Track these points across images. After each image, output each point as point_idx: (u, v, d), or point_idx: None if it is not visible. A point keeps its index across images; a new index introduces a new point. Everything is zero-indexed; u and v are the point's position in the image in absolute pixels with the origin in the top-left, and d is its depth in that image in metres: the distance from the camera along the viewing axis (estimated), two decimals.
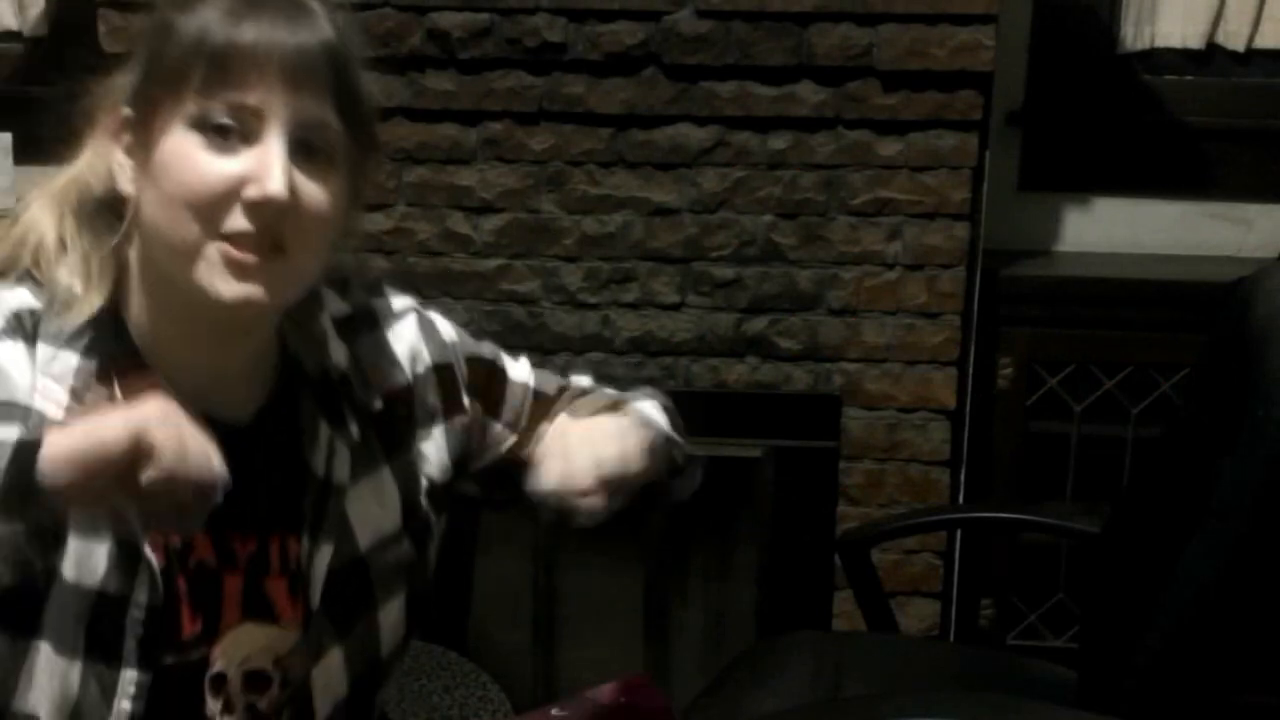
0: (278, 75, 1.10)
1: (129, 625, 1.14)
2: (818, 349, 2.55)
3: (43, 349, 1.13)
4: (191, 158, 1.10)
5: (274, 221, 1.10)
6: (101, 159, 1.18)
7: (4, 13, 2.86)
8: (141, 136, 1.13)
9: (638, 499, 1.25)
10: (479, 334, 1.43)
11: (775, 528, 2.61)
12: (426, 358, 1.33)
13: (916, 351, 2.54)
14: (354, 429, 1.25)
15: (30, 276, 1.17)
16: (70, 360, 1.13)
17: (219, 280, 1.10)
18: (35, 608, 1.12)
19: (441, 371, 1.34)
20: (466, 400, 1.35)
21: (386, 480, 1.29)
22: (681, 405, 2.58)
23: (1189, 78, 2.82)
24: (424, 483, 1.32)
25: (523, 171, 2.51)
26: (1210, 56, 2.80)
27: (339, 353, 1.26)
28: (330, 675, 1.24)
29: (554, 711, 1.44)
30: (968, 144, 2.47)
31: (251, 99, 1.10)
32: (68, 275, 1.16)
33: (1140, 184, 2.83)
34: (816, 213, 2.51)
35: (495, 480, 1.38)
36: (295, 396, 1.24)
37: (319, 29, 1.13)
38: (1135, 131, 2.82)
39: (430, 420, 1.33)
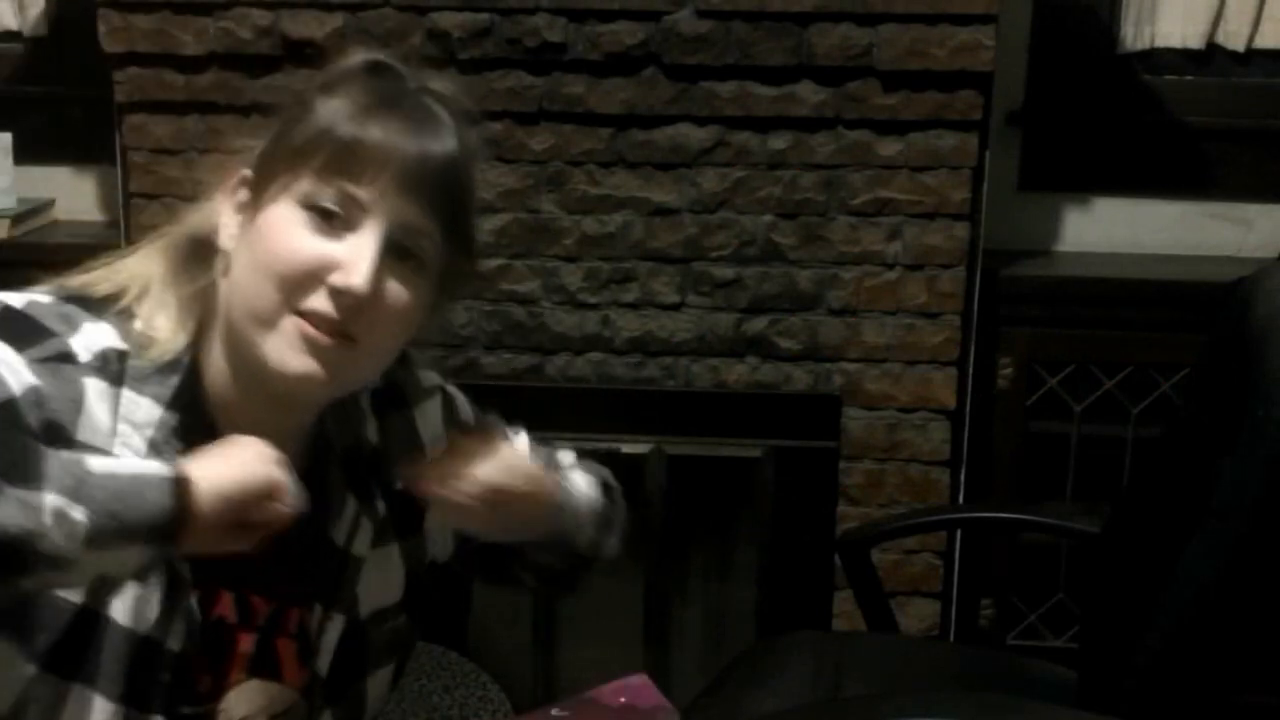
0: (392, 177, 1.13)
1: (160, 672, 1.15)
2: (818, 349, 2.55)
3: (126, 394, 1.14)
4: (291, 231, 1.13)
5: (351, 312, 1.12)
6: (213, 214, 1.20)
7: (4, 13, 2.86)
8: (253, 198, 1.16)
9: (550, 548, 1.32)
10: (483, 406, 1.44)
11: (775, 528, 2.61)
12: (446, 440, 1.35)
13: (916, 351, 2.54)
14: (381, 505, 1.28)
15: (121, 313, 1.17)
16: (153, 411, 1.14)
17: (287, 352, 1.12)
18: (83, 653, 1.12)
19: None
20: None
21: (395, 557, 1.31)
22: (682, 405, 2.59)
23: (1189, 78, 2.82)
24: (428, 558, 1.35)
25: (523, 171, 2.51)
26: (1210, 56, 2.80)
27: (372, 429, 1.29)
28: None
29: (554, 711, 1.45)
30: (968, 144, 2.47)
31: (362, 193, 1.13)
32: (160, 316, 1.17)
33: (1140, 184, 2.83)
34: (816, 213, 2.51)
35: (480, 558, 1.40)
36: (324, 467, 1.25)
37: (444, 141, 1.16)
38: (1135, 131, 2.82)
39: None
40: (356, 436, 1.28)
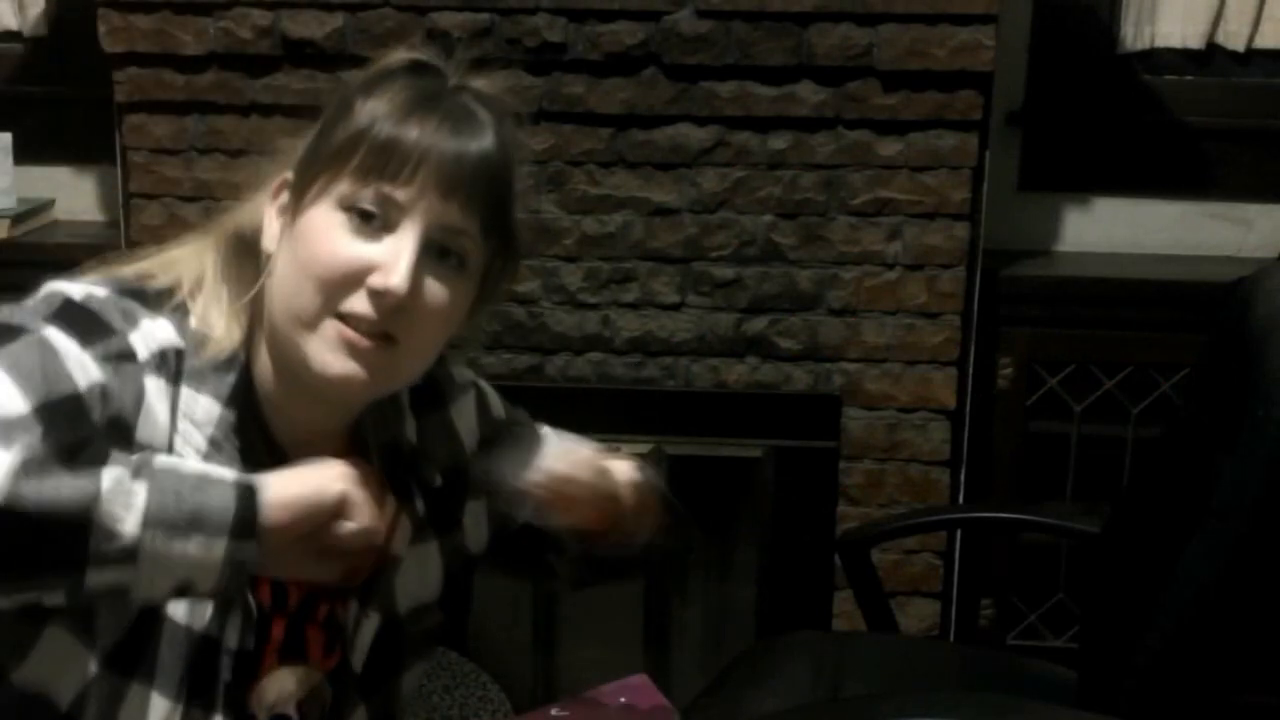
0: (430, 177, 1.13)
1: (221, 669, 1.16)
2: (818, 349, 2.55)
3: (185, 391, 1.15)
4: (330, 234, 1.14)
5: (391, 313, 1.13)
6: (259, 211, 1.21)
7: (4, 13, 2.86)
8: (295, 201, 1.17)
9: (629, 547, 1.33)
10: (512, 401, 1.46)
11: (775, 528, 2.61)
12: (478, 435, 1.37)
13: (916, 351, 2.54)
14: (420, 505, 1.28)
15: (178, 309, 1.18)
16: (212, 409, 1.15)
17: (328, 355, 1.13)
18: (143, 651, 1.13)
19: (486, 448, 1.37)
20: (509, 478, 1.37)
21: (433, 554, 1.32)
22: (681, 405, 2.59)
23: (1189, 78, 2.82)
24: (463, 555, 1.37)
25: (523, 171, 2.50)
26: (1210, 56, 2.80)
27: (410, 428, 1.30)
28: None
29: (554, 711, 1.45)
30: (968, 144, 2.47)
31: (400, 194, 1.13)
32: (214, 312, 1.18)
33: (1140, 184, 2.83)
34: (816, 213, 2.51)
35: (513, 549, 1.41)
36: None
37: (482, 140, 1.17)
38: (1135, 131, 2.82)
39: (477, 496, 1.36)
40: (395, 436, 1.28)
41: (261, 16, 2.44)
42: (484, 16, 2.43)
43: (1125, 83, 2.81)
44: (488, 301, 1.23)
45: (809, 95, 2.45)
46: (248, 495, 1.04)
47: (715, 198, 2.51)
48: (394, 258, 1.12)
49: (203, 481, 1.03)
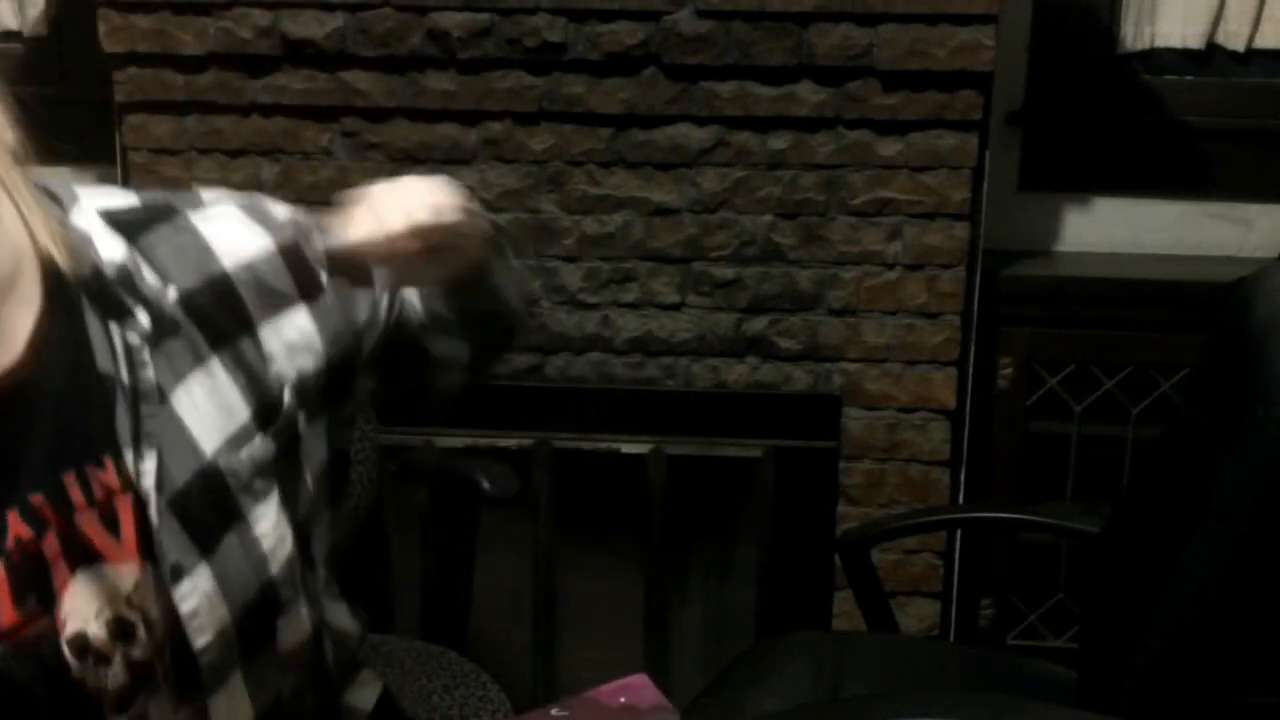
0: None
1: None
2: (818, 349, 2.55)
3: None
4: None
5: None
6: None
7: (4, 13, 2.86)
8: None
9: (464, 281, 1.22)
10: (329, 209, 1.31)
11: (775, 528, 2.61)
12: (264, 242, 1.21)
13: (916, 351, 2.54)
14: (144, 320, 1.14)
15: None
16: None
17: None
18: None
19: (288, 253, 1.21)
20: (324, 277, 1.23)
21: (219, 374, 1.17)
22: (682, 405, 2.60)
23: (1189, 78, 2.82)
24: (292, 375, 1.20)
25: (523, 171, 2.51)
26: (1210, 56, 2.80)
27: (113, 248, 1.15)
28: (202, 601, 1.13)
29: (554, 711, 1.44)
30: (968, 144, 2.47)
31: None
32: None
33: (1140, 184, 2.83)
34: (816, 213, 2.51)
35: (391, 364, 1.28)
36: (67, 306, 1.13)
37: None
38: (1135, 131, 2.82)
39: (285, 306, 1.20)
40: (91, 259, 1.14)
41: (261, 16, 2.44)
42: (484, 16, 2.43)
43: (1125, 83, 2.81)
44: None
45: (809, 95, 2.45)
46: None
47: (715, 198, 2.51)
48: None
49: None
